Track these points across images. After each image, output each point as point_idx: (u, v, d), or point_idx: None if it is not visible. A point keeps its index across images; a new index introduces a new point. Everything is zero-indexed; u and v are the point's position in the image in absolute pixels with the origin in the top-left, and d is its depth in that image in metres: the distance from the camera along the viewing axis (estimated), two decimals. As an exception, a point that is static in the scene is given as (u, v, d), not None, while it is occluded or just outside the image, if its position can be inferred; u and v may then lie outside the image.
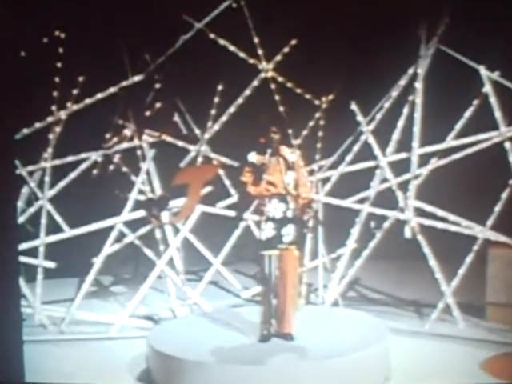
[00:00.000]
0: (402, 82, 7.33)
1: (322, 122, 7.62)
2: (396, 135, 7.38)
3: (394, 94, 7.38)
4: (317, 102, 7.66)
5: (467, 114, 7.15)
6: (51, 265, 7.53)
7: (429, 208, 7.32)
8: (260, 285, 6.13)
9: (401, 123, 7.34)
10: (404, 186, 7.39)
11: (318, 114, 7.68)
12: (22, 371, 5.23)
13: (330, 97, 7.61)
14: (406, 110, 7.32)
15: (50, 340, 7.01)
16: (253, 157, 6.00)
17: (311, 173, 7.46)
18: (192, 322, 6.76)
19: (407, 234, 7.26)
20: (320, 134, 7.60)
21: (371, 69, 7.23)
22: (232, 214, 7.66)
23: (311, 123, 7.74)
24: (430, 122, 7.20)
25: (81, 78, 7.48)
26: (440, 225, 7.22)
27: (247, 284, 8.25)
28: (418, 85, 7.23)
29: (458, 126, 7.20)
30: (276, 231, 5.90)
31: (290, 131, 7.25)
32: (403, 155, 7.42)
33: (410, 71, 7.27)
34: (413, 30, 7.09)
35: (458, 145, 7.23)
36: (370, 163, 7.53)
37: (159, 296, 7.79)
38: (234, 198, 7.88)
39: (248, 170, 6.00)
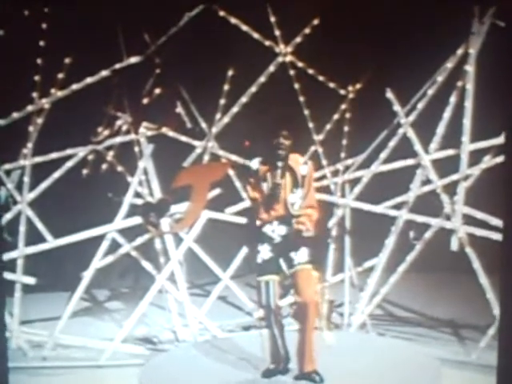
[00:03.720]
0: (450, 64, 6.95)
1: (348, 115, 7.36)
2: (441, 128, 7.00)
3: (440, 78, 6.99)
4: (342, 92, 7.38)
5: (529, 102, 6.73)
6: (30, 281, 7.16)
7: (480, 215, 6.93)
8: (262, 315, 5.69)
9: (447, 114, 6.95)
10: (451, 189, 7.02)
11: (343, 106, 7.40)
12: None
13: (358, 85, 7.34)
14: (453, 99, 6.94)
15: (28, 367, 6.58)
16: (255, 164, 5.54)
17: (335, 173, 7.32)
18: (193, 352, 6.46)
19: (454, 245, 6.84)
20: (346, 128, 7.35)
21: (411, 49, 6.84)
22: (243, 220, 7.15)
23: (336, 116, 7.46)
24: (484, 113, 6.80)
25: (67, 60, 7.12)
26: (494, 235, 6.69)
27: (261, 300, 7.93)
28: (469, 68, 6.85)
29: (518, 116, 6.86)
30: (274, 253, 5.44)
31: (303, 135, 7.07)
32: (450, 152, 7.05)
33: (460, 51, 6.89)
34: (463, 1, 6.72)
35: (518, 139, 6.88)
36: (410, 161, 7.16)
37: (160, 313, 7.44)
38: (246, 203, 7.42)
39: (250, 182, 5.51)
